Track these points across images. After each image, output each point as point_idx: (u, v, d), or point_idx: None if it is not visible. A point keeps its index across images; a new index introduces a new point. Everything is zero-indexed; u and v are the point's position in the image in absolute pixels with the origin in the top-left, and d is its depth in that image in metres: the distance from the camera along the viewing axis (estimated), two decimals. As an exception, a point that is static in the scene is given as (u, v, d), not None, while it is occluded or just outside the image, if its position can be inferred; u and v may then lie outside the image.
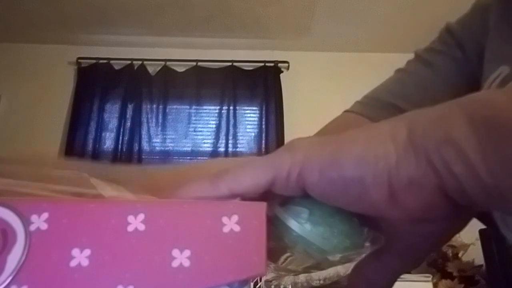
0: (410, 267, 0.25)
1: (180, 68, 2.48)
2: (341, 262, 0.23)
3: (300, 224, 0.21)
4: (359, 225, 0.23)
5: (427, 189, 0.19)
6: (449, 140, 0.18)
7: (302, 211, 0.22)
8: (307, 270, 0.24)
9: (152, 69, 2.48)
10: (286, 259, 0.23)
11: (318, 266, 0.24)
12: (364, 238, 0.23)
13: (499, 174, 0.16)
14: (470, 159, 0.17)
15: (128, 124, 2.37)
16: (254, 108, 2.46)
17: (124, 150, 2.32)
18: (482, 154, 0.17)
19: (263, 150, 2.32)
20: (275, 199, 0.22)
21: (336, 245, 0.22)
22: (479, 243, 1.79)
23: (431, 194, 0.19)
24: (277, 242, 0.22)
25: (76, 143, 2.28)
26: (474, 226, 1.81)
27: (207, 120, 2.44)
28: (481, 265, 1.77)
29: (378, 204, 0.20)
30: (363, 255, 0.24)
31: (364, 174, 0.19)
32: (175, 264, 0.18)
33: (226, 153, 2.33)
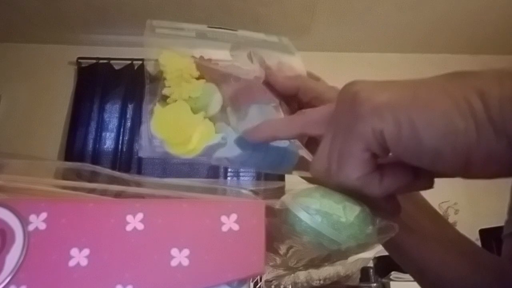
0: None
1: (180, 68, 2.48)
2: (353, 252, 0.23)
3: (311, 216, 0.21)
4: (371, 214, 0.23)
5: (505, 163, 0.20)
6: None
7: (312, 202, 0.22)
8: (311, 263, 0.24)
9: (152, 69, 2.48)
10: (288, 250, 0.23)
11: (328, 258, 0.23)
12: (376, 228, 0.23)
13: None
14: None
15: (128, 124, 2.37)
16: (254, 108, 2.46)
17: (124, 150, 2.31)
18: None
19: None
20: (285, 193, 0.22)
21: (347, 236, 0.22)
22: (479, 243, 1.78)
23: (506, 166, 0.20)
24: (285, 234, 0.22)
25: (76, 143, 2.28)
26: (474, 226, 1.81)
27: (207, 120, 2.44)
28: (481, 265, 1.76)
29: (450, 168, 0.21)
30: (376, 245, 0.23)
31: (443, 147, 0.20)
32: (174, 263, 0.18)
33: (226, 153, 2.33)
